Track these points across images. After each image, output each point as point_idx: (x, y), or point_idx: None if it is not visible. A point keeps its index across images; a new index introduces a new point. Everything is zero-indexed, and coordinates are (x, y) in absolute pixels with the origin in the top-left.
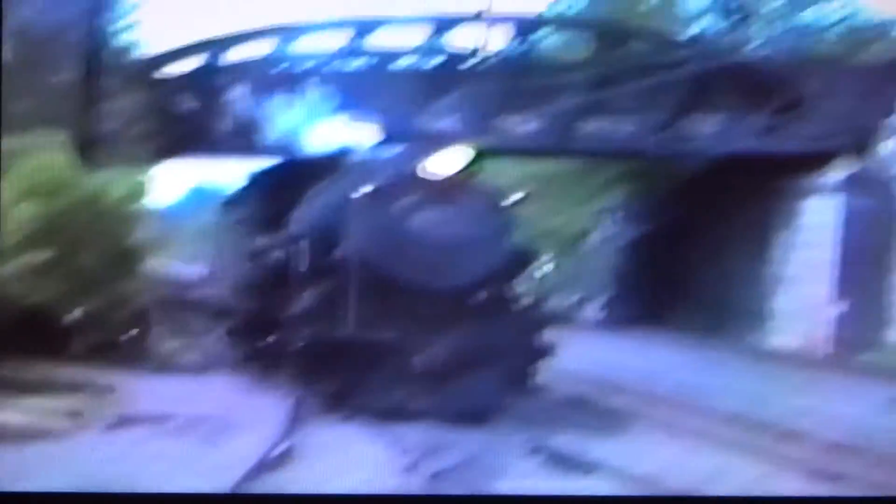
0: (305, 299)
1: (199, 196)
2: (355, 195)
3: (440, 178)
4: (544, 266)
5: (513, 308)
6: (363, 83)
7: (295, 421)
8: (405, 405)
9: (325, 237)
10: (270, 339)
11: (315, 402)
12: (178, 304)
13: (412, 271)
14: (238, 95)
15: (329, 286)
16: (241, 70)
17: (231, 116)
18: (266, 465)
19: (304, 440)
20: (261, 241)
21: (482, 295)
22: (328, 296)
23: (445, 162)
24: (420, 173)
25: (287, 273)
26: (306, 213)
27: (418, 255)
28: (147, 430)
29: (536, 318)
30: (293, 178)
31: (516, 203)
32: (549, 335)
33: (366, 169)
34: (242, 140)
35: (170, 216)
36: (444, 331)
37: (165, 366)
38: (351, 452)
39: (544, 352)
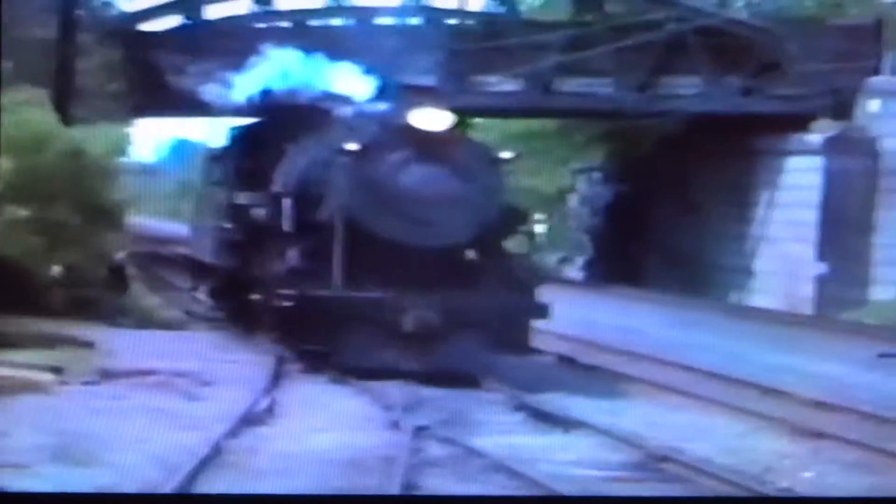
0: (290, 258)
1: (179, 152)
2: (341, 151)
3: (430, 133)
4: (537, 225)
5: (506, 267)
6: (344, 40)
7: (277, 377)
8: (394, 366)
9: (310, 194)
10: (254, 298)
11: (301, 362)
12: (159, 260)
13: (401, 229)
14: (218, 52)
15: (314, 244)
16: (221, 27)
17: (211, 73)
18: (249, 420)
19: (286, 396)
20: (243, 198)
21: (474, 253)
22: (313, 254)
23: (433, 118)
24: (408, 128)
25: (270, 231)
26: (289, 171)
27: (408, 212)
28: (128, 385)
29: (530, 278)
30: (274, 134)
31: (509, 160)
32: (542, 296)
33: (350, 125)
34: (222, 97)
35: (150, 172)
36: (434, 290)
37: (145, 321)
38: (333, 408)
39: (540, 312)
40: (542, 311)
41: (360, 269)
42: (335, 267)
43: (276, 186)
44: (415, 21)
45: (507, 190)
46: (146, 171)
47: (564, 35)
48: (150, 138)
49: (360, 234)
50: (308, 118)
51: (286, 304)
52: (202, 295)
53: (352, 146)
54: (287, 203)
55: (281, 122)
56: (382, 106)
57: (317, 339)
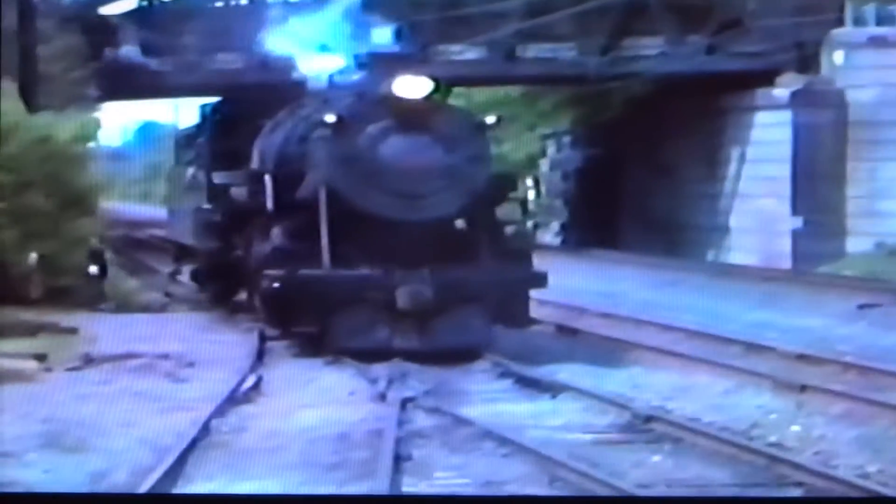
0: (275, 237)
1: (148, 135)
2: (319, 124)
3: (411, 101)
4: (527, 191)
5: (499, 237)
6: (304, 13)
7: (262, 355)
8: (388, 346)
9: (290, 170)
10: (239, 280)
11: (292, 344)
12: (136, 244)
13: (388, 202)
14: (179, 32)
15: (299, 222)
16: (179, 7)
17: (174, 53)
18: (235, 399)
19: (271, 374)
20: (220, 177)
21: (465, 224)
22: (299, 233)
23: (414, 85)
24: (388, 97)
25: (252, 210)
26: (267, 147)
27: (394, 185)
28: (112, 369)
29: (525, 247)
30: (247, 111)
31: (492, 126)
32: (538, 264)
33: (325, 96)
34: (188, 77)
35: (120, 156)
36: (426, 264)
37: (126, 306)
38: (319, 384)
39: (538, 282)
40: (540, 280)
41: (348, 247)
42: (322, 245)
43: (255, 164)
44: None
45: (493, 156)
46: (116, 155)
47: (524, 1)
48: (117, 122)
49: (345, 210)
50: (280, 92)
51: (273, 285)
52: (184, 278)
53: (330, 118)
54: (267, 180)
55: (252, 97)
56: (356, 76)
57: (307, 320)
